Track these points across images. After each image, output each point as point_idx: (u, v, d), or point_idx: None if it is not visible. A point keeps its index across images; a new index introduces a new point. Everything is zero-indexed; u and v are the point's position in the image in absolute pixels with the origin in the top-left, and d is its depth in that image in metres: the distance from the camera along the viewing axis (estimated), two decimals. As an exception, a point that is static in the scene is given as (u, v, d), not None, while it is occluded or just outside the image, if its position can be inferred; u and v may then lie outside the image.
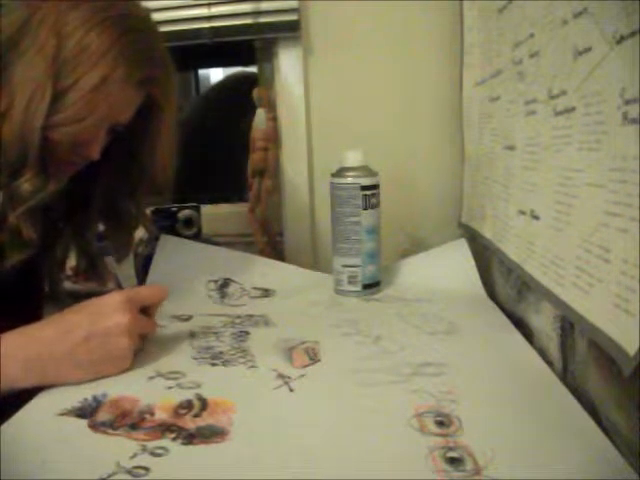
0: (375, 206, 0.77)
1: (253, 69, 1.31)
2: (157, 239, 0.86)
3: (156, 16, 0.95)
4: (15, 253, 0.57)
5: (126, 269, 0.94)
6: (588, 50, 0.42)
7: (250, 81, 1.07)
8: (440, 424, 0.43)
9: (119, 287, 0.64)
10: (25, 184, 0.54)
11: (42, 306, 0.72)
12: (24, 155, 0.54)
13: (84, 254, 0.71)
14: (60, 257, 0.71)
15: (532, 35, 0.56)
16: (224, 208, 1.19)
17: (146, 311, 0.57)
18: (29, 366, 0.49)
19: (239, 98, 1.11)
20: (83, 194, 0.67)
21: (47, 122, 0.53)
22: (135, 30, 0.57)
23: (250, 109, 1.03)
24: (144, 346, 0.58)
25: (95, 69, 0.54)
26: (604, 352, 0.40)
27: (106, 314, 0.52)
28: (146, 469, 0.38)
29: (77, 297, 0.61)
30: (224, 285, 0.81)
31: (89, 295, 0.58)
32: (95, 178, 0.66)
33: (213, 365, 0.56)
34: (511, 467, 0.37)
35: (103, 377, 0.52)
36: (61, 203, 0.64)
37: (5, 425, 0.45)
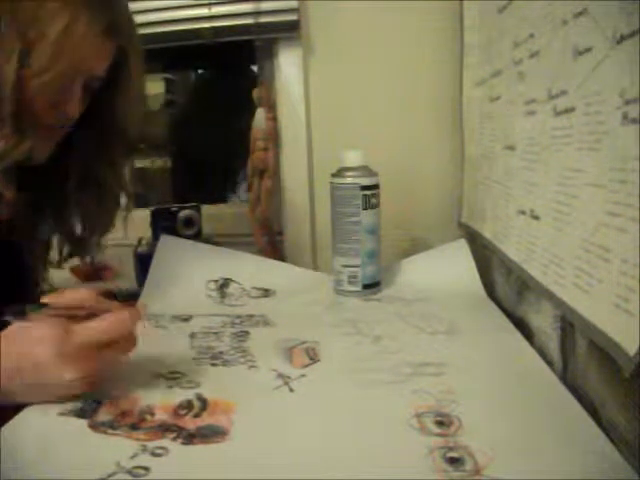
0: (375, 206, 0.77)
1: (253, 69, 1.32)
2: (157, 239, 0.86)
3: (156, 16, 0.96)
4: None
5: (126, 269, 0.94)
6: (588, 50, 0.42)
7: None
8: (440, 424, 0.43)
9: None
10: (1, 143, 0.53)
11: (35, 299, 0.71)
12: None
13: (66, 234, 0.69)
14: (42, 241, 0.69)
15: (532, 35, 0.56)
16: (224, 208, 1.19)
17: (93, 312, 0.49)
18: None
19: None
20: (59, 169, 0.65)
21: (18, 74, 0.52)
22: None
23: (245, 107, 1.03)
24: (143, 347, 0.56)
25: (58, 18, 0.53)
26: (604, 352, 0.40)
27: (45, 369, 0.45)
28: (146, 469, 0.38)
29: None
30: (224, 285, 0.81)
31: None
32: (69, 150, 0.65)
33: (213, 365, 0.56)
34: (511, 467, 0.37)
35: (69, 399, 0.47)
36: (38, 180, 0.63)
37: (5, 425, 0.44)
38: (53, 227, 0.69)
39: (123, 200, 0.71)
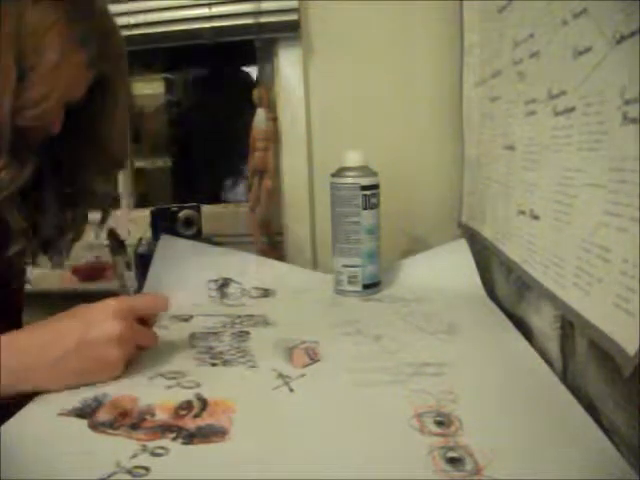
0: (375, 206, 0.77)
1: (253, 69, 1.32)
2: (157, 239, 0.86)
3: (156, 16, 0.97)
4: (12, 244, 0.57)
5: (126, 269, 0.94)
6: (588, 50, 0.42)
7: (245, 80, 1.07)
8: (440, 424, 0.43)
9: (124, 290, 0.60)
10: (2, 173, 0.54)
11: (22, 305, 0.71)
12: None
13: (39, 235, 0.67)
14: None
15: (532, 35, 0.56)
16: (224, 208, 1.19)
17: (145, 321, 0.56)
18: (18, 374, 0.48)
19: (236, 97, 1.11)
20: (37, 172, 0.64)
21: (14, 107, 0.53)
22: (84, 10, 0.58)
23: (247, 108, 1.03)
24: (144, 349, 0.57)
25: (52, 50, 0.54)
26: (604, 352, 0.40)
27: (98, 323, 0.50)
28: (146, 469, 0.38)
29: (72, 298, 0.61)
30: (224, 285, 0.81)
31: (90, 295, 0.58)
32: (49, 154, 0.65)
33: (213, 365, 0.56)
34: (511, 467, 0.37)
35: (92, 384, 0.50)
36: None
37: (5, 425, 0.45)
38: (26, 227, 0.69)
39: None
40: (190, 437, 0.42)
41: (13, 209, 0.57)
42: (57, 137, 0.61)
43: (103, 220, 0.72)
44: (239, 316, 0.71)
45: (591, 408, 0.44)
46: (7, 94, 0.52)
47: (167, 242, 0.85)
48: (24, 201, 0.63)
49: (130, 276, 0.63)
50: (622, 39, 0.37)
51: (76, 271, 1.12)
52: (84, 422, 0.45)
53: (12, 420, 0.45)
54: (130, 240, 0.87)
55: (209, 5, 0.96)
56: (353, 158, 0.77)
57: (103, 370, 0.51)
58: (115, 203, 0.74)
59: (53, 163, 0.66)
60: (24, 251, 0.66)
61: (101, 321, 0.51)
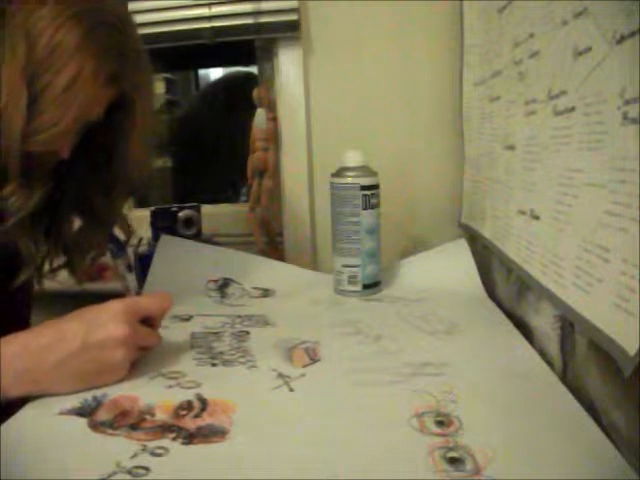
0: (375, 206, 0.77)
1: (253, 69, 1.32)
2: (157, 239, 0.86)
3: (156, 16, 0.97)
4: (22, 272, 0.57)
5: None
6: (588, 50, 0.42)
7: (248, 80, 1.08)
8: (440, 424, 0.43)
9: (127, 292, 0.60)
10: (12, 199, 0.53)
11: (30, 307, 0.71)
12: (3, 170, 0.52)
13: (54, 252, 0.68)
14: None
15: (532, 35, 0.56)
16: (224, 208, 1.19)
17: (149, 322, 0.56)
18: (21, 377, 0.47)
19: (237, 97, 1.11)
20: (55, 190, 0.64)
21: (24, 132, 0.51)
22: (105, 24, 0.55)
23: (248, 108, 1.03)
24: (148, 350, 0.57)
25: (66, 68, 0.51)
26: (604, 352, 0.40)
27: (102, 324, 0.50)
28: (146, 469, 0.38)
29: (76, 298, 0.61)
30: (224, 285, 0.81)
31: (89, 296, 0.58)
32: (67, 174, 0.64)
33: (213, 365, 0.56)
34: (511, 467, 0.37)
35: (96, 388, 0.50)
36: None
37: (5, 425, 0.45)
38: (43, 242, 0.68)
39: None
40: (190, 437, 0.42)
41: (23, 234, 0.57)
42: (75, 158, 0.60)
43: (126, 242, 0.72)
44: (239, 316, 0.71)
45: (591, 408, 0.44)
46: (17, 120, 0.50)
47: (167, 242, 0.85)
48: (41, 222, 0.63)
49: (132, 277, 0.63)
50: (622, 39, 0.37)
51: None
52: (84, 422, 0.45)
53: (12, 420, 0.45)
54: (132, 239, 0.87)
55: (209, 5, 0.96)
56: (353, 158, 0.77)
57: (107, 372, 0.51)
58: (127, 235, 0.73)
59: (72, 184, 0.65)
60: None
61: (105, 323, 0.50)
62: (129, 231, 0.72)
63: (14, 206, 0.54)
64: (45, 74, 0.51)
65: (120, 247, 0.78)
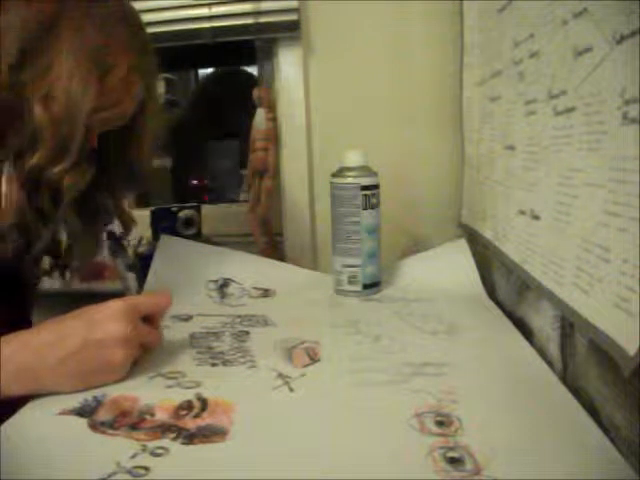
0: (375, 206, 0.77)
1: (253, 69, 1.32)
2: (157, 239, 0.86)
3: (156, 16, 0.96)
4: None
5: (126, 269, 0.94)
6: (588, 50, 0.42)
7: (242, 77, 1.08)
8: (440, 424, 0.43)
9: (127, 291, 0.60)
10: (67, 176, 0.55)
11: (31, 305, 0.71)
12: (65, 144, 0.54)
13: (53, 249, 0.68)
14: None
15: (532, 35, 0.56)
16: (224, 208, 1.19)
17: (149, 320, 0.55)
18: (22, 374, 0.47)
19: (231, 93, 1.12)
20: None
21: (94, 105, 0.54)
22: (138, 26, 0.62)
23: (244, 105, 1.03)
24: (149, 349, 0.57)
25: (122, 58, 0.57)
26: (604, 352, 0.40)
27: (103, 323, 0.50)
28: (146, 469, 0.38)
29: (76, 298, 0.61)
30: (224, 285, 0.81)
31: (90, 295, 0.58)
32: None
33: (213, 365, 0.56)
34: (511, 467, 0.37)
35: (96, 387, 0.50)
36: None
37: (5, 425, 0.45)
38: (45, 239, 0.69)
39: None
40: (190, 437, 0.42)
41: (72, 212, 0.59)
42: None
43: (125, 234, 0.73)
44: (239, 316, 0.71)
45: (591, 408, 0.44)
46: (88, 95, 0.54)
47: (167, 242, 0.85)
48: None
49: (132, 277, 0.63)
50: (622, 39, 0.37)
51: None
52: (84, 422, 0.45)
53: (12, 420, 0.45)
54: (132, 238, 0.87)
55: (209, 5, 0.96)
56: (353, 158, 0.77)
57: (108, 371, 0.51)
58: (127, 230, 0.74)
59: None
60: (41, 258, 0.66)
61: (106, 322, 0.50)
62: (130, 222, 0.73)
63: (68, 183, 0.55)
64: (108, 59, 0.56)
65: (120, 246, 0.77)
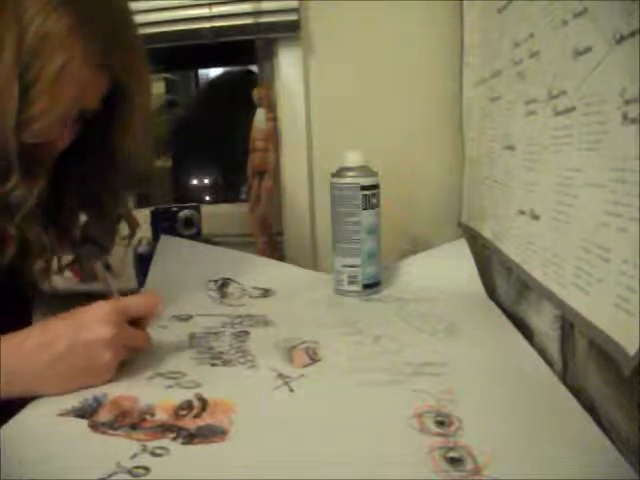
0: (375, 206, 0.77)
1: (253, 69, 1.32)
2: (157, 239, 0.86)
3: (156, 16, 0.96)
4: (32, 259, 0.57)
5: (126, 269, 0.94)
6: (588, 50, 0.42)
7: (247, 78, 1.08)
8: (440, 424, 0.43)
9: (110, 293, 0.59)
10: (16, 191, 0.53)
11: (31, 306, 0.71)
12: (4, 162, 0.52)
13: (63, 248, 0.68)
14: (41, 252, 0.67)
15: (532, 35, 0.56)
16: (224, 208, 1.19)
17: (137, 322, 0.55)
18: (9, 377, 0.47)
19: (235, 95, 1.12)
20: (58, 185, 0.64)
21: (18, 122, 0.51)
22: (97, 11, 0.54)
23: (246, 106, 1.03)
24: (142, 350, 0.57)
25: (56, 56, 0.51)
26: (604, 352, 0.40)
27: (90, 326, 0.50)
28: (146, 469, 0.38)
29: (77, 297, 0.61)
30: (224, 285, 0.81)
31: (89, 295, 0.58)
32: (69, 169, 0.64)
33: (213, 365, 0.56)
34: (511, 467, 0.37)
35: (84, 388, 0.50)
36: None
37: (5, 425, 0.45)
38: (54, 238, 0.68)
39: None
40: (190, 437, 0.42)
41: (33, 226, 0.57)
42: (77, 152, 0.60)
43: (131, 235, 0.72)
44: (239, 316, 0.71)
45: (591, 408, 0.44)
46: (10, 110, 0.50)
47: (167, 242, 0.85)
48: (49, 216, 0.63)
49: (112, 278, 0.62)
50: (622, 39, 0.37)
51: (75, 270, 1.12)
52: (84, 422, 0.45)
53: (12, 420, 0.45)
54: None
55: (209, 5, 0.96)
56: (353, 158, 0.77)
57: (95, 373, 0.50)
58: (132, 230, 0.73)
59: (77, 179, 0.65)
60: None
61: (92, 324, 0.50)
62: (134, 225, 0.72)
63: (17, 199, 0.53)
64: (36, 62, 0.50)
65: (96, 249, 0.76)
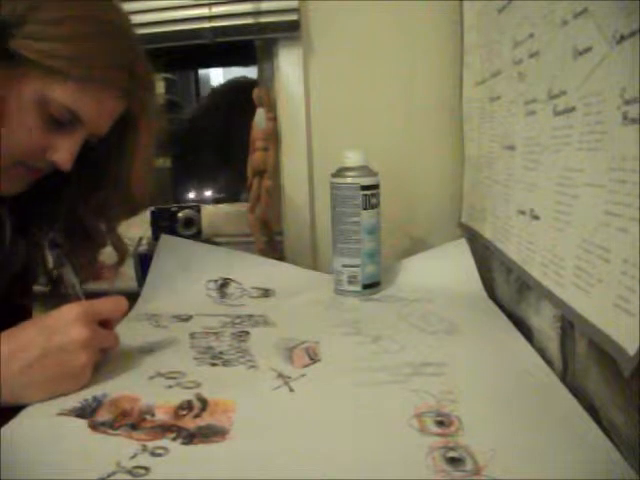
0: (375, 206, 0.77)
1: (253, 69, 1.32)
2: (157, 239, 0.86)
3: (156, 16, 0.96)
4: None
5: (126, 269, 0.94)
6: (588, 50, 0.42)
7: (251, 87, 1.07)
8: (440, 424, 0.43)
9: (77, 298, 0.59)
10: None
11: (31, 308, 0.71)
12: None
13: (45, 270, 0.68)
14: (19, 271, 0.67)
15: (532, 35, 0.56)
16: (224, 208, 1.19)
17: (105, 324, 0.54)
18: None
19: (240, 103, 1.12)
20: (49, 207, 0.65)
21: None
22: (117, 40, 0.57)
23: (251, 113, 1.03)
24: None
25: (81, 70, 0.53)
26: (604, 352, 0.40)
27: (62, 329, 0.49)
28: (146, 469, 0.38)
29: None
30: (224, 285, 0.81)
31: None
32: (61, 192, 0.64)
33: (213, 365, 0.56)
34: (511, 467, 0.37)
35: (61, 395, 0.49)
36: (29, 210, 0.63)
37: (5, 425, 0.44)
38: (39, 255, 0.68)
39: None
40: (190, 437, 0.42)
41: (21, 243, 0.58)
42: (74, 177, 0.60)
43: (120, 263, 0.71)
44: (239, 316, 0.71)
45: (591, 408, 0.44)
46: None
47: (167, 242, 0.85)
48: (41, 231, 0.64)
49: (77, 281, 0.62)
50: (622, 39, 0.37)
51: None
52: (84, 422, 0.45)
53: (12, 420, 0.45)
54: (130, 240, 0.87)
55: (209, 5, 0.96)
56: (353, 158, 0.77)
57: (70, 377, 0.50)
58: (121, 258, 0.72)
59: (69, 202, 0.65)
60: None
61: (65, 327, 0.49)
62: (124, 251, 0.71)
63: None
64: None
65: (63, 254, 0.75)
